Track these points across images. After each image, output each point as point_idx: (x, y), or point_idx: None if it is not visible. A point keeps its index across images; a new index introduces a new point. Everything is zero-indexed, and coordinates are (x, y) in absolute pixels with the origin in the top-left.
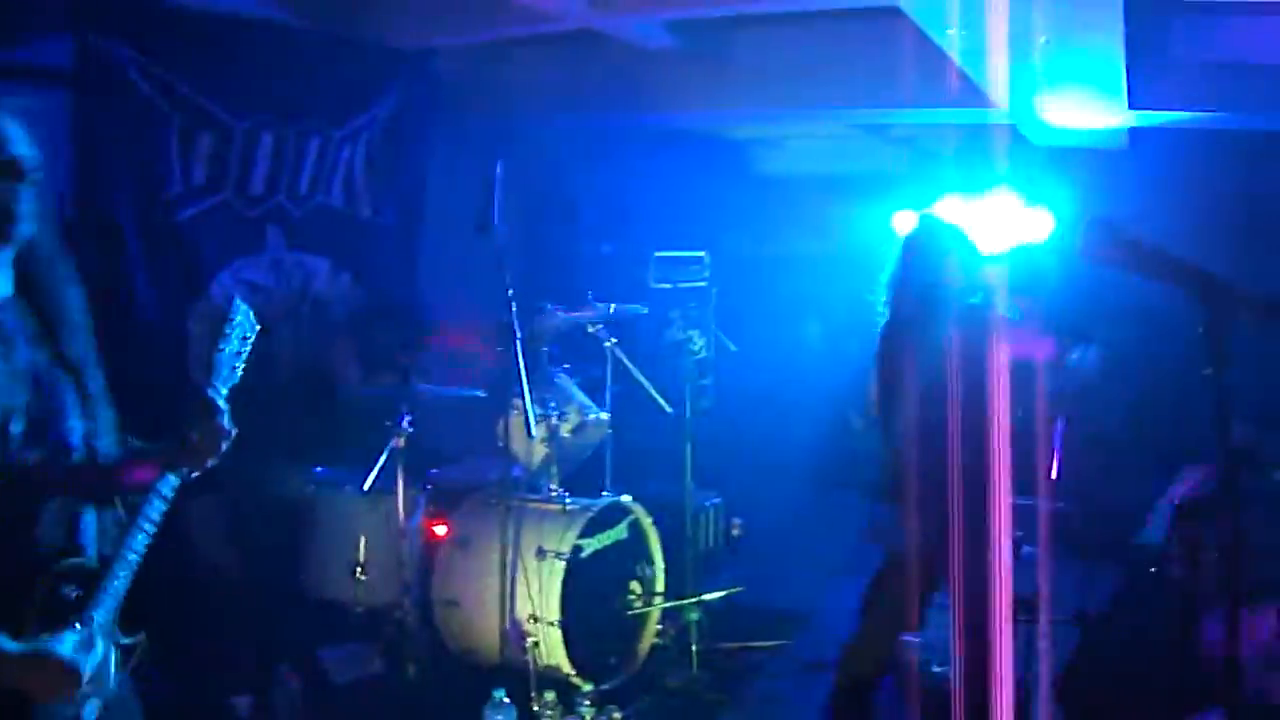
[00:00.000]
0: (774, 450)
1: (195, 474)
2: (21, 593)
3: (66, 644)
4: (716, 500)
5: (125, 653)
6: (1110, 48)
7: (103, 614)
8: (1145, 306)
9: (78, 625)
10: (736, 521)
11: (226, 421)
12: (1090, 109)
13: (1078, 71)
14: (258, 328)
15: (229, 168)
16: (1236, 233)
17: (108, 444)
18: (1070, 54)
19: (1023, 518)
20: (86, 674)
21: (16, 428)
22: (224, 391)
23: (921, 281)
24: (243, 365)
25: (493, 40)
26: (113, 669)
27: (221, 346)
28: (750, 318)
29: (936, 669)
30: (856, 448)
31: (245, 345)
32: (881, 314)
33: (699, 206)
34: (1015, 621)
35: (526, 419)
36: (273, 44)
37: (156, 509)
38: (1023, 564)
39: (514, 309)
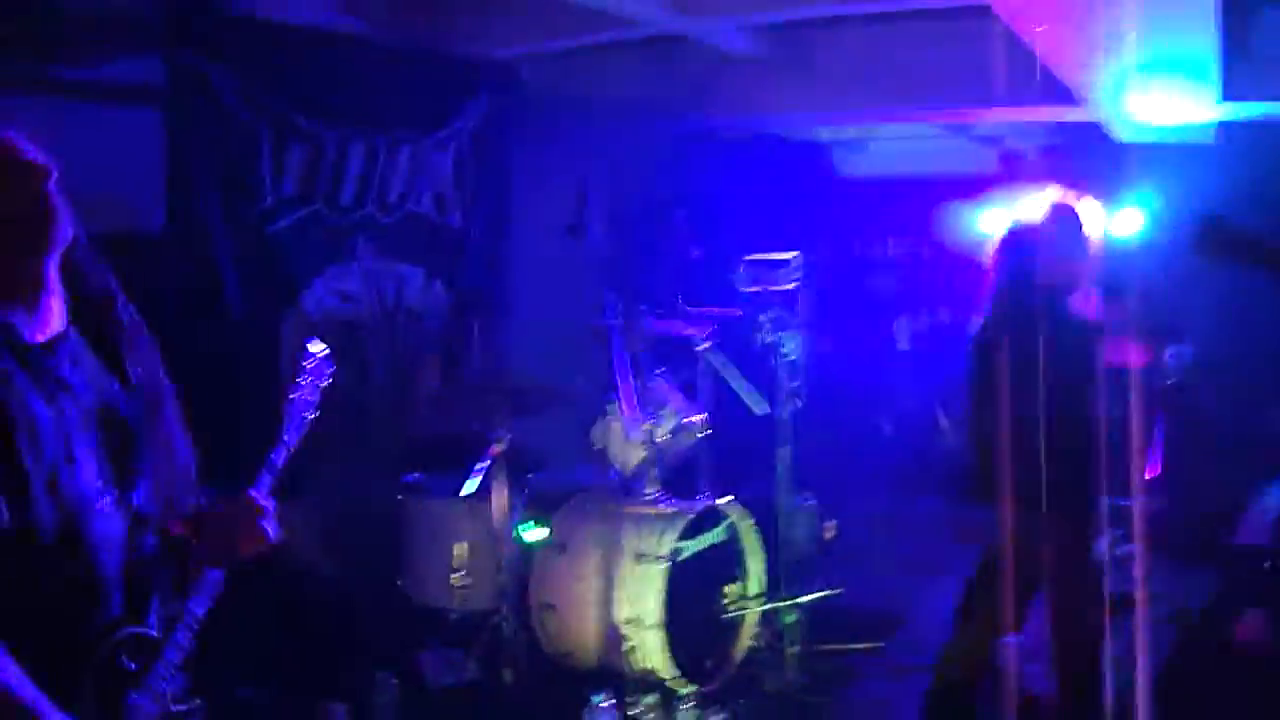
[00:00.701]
0: (865, 451)
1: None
2: (80, 660)
3: None
4: (811, 501)
5: None
6: (1204, 39)
7: (160, 684)
8: (1238, 302)
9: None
10: (830, 523)
11: (270, 524)
12: (1181, 103)
13: (1170, 65)
14: (332, 369)
15: (320, 179)
16: None
17: (182, 498)
18: (1162, 47)
19: (1119, 517)
20: None
21: (75, 477)
22: (290, 448)
23: (1015, 283)
24: (316, 410)
25: (578, 47)
26: None
27: (292, 396)
28: (840, 319)
29: (1035, 671)
30: (947, 448)
31: (317, 392)
32: (978, 316)
33: (787, 209)
34: (1113, 621)
35: (625, 422)
36: (361, 57)
37: (215, 580)
38: (1120, 563)
39: (613, 313)
